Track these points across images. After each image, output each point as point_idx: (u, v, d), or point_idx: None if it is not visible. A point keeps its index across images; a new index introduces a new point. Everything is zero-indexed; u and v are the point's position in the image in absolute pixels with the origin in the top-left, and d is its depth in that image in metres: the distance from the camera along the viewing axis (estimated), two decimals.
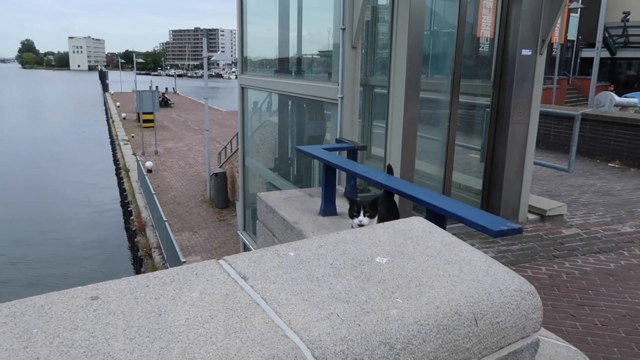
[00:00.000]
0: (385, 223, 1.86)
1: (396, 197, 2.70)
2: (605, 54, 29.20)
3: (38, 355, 0.92)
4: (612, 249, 4.61)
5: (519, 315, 1.39)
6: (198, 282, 1.25)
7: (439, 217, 2.10)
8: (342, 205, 3.41)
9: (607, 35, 28.82)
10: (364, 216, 2.24)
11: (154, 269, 11.57)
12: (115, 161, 24.92)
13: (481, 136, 5.69)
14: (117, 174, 22.57)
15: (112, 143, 29.84)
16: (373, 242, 1.62)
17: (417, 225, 1.80)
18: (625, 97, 18.54)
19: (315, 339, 1.06)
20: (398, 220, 2.04)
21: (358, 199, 2.41)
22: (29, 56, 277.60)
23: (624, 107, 16.49)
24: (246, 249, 7.25)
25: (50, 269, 13.38)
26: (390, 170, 2.82)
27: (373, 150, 5.75)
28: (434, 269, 1.46)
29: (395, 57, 4.61)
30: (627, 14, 30.79)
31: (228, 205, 16.14)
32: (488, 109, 5.52)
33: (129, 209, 16.51)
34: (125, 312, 1.09)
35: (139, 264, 12.73)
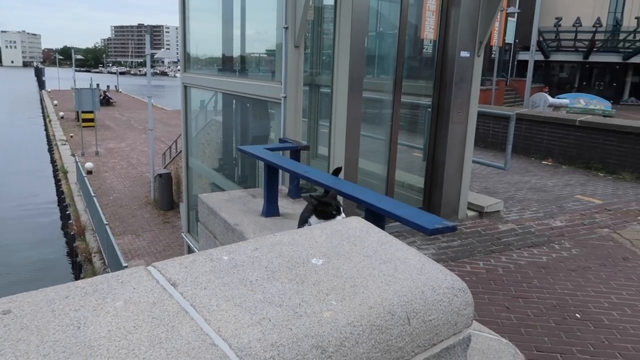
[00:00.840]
0: (323, 224, 1.85)
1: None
2: (540, 57, 30.80)
3: None
4: (544, 243, 4.85)
5: (451, 312, 1.43)
6: (123, 290, 1.19)
7: (377, 217, 2.13)
8: (284, 205, 3.39)
9: (541, 39, 30.41)
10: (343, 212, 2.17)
11: (94, 274, 11.08)
12: (53, 162, 23.69)
13: (423, 135, 5.84)
14: (55, 175, 21.45)
15: (49, 143, 28.35)
16: (310, 244, 1.61)
17: (354, 225, 1.81)
18: (558, 98, 19.63)
19: (245, 346, 1.04)
20: (337, 220, 2.04)
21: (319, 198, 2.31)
22: None
23: (556, 107, 17.45)
24: (190, 251, 7.09)
25: None
26: (337, 172, 2.82)
27: (319, 149, 5.77)
28: (369, 269, 1.47)
29: (338, 57, 4.63)
30: (559, 19, 32.64)
31: (173, 207, 15.71)
32: (429, 109, 5.67)
33: (67, 212, 15.73)
34: (40, 327, 1.02)
35: (79, 269, 12.16)
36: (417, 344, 1.32)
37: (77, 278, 12.01)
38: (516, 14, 26.09)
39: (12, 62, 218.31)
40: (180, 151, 14.94)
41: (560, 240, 4.93)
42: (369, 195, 2.25)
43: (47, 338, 0.98)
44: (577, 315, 3.40)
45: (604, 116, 14.01)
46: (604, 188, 7.34)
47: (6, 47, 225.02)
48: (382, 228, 2.07)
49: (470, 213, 5.65)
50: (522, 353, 2.11)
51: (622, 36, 33.17)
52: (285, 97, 4.37)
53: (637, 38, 32.27)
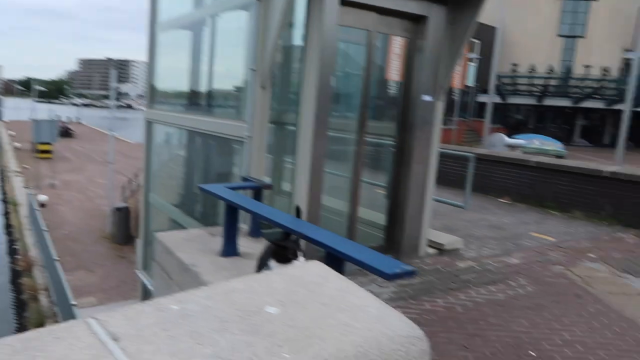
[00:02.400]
0: (281, 269, 1.81)
1: None
2: (498, 99, 32.20)
3: None
4: (501, 280, 4.92)
5: None
6: (57, 347, 1.10)
7: (337, 260, 2.10)
8: (244, 244, 3.32)
9: (499, 83, 31.87)
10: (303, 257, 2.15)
11: (39, 313, 10.47)
12: (4, 194, 22.65)
13: (386, 174, 5.91)
14: (5, 208, 20.48)
15: (1, 174, 27.17)
16: (266, 290, 1.56)
17: (313, 270, 1.77)
18: (515, 138, 20.44)
19: None
20: (296, 264, 2.00)
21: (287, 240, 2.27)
22: None
23: (513, 147, 18.14)
24: (145, 289, 6.81)
25: None
26: (298, 212, 2.78)
27: (283, 186, 5.74)
28: (326, 318, 1.43)
29: (304, 96, 4.68)
30: (515, 65, 34.40)
31: (130, 242, 15.21)
32: (393, 149, 5.77)
33: (15, 247, 14.96)
34: None
35: (22, 308, 11.48)
36: None
37: (19, 317, 11.31)
38: (476, 59, 27.35)
39: None
40: (137, 188, 14.62)
41: (516, 278, 5.01)
42: (327, 237, 2.23)
43: None
44: (531, 353, 3.43)
45: (557, 157, 14.65)
46: (557, 226, 7.58)
47: None
48: (342, 270, 2.04)
49: (431, 250, 5.70)
50: None
51: (572, 82, 35.20)
52: (249, 137, 4.35)
53: (586, 85, 34.30)
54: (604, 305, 4.40)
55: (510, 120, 37.82)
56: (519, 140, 19.74)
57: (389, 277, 1.90)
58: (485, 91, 28.54)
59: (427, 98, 5.44)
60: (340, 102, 5.96)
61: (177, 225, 6.24)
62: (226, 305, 1.42)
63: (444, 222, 7.39)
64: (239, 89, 5.51)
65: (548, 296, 4.55)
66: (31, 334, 1.14)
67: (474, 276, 5.01)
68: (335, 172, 5.65)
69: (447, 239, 5.90)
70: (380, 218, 5.81)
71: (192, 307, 1.38)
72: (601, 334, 3.81)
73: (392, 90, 6.04)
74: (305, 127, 4.67)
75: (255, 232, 3.53)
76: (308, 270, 1.78)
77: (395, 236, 5.62)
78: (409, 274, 1.94)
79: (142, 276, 6.99)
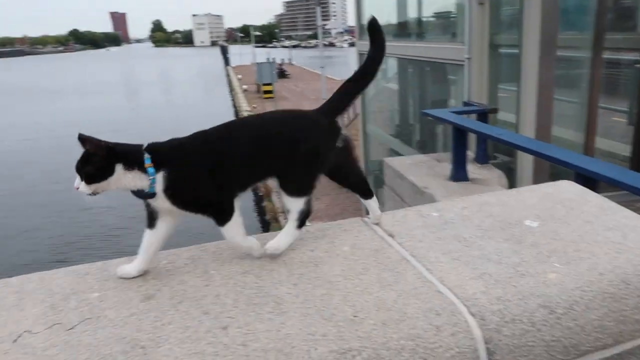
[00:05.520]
0: (532, 186, 1.75)
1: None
2: None
3: (218, 292, 1.04)
4: None
5: None
6: (347, 237, 1.30)
7: (589, 182, 1.93)
8: (471, 170, 3.28)
9: None
10: None
11: None
12: None
13: (630, 97, 5.06)
14: None
15: (236, 114, 31.73)
16: (520, 205, 1.54)
17: (568, 189, 1.67)
18: None
19: (470, 297, 1.05)
20: (546, 183, 1.91)
21: None
22: (160, 35, 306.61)
23: None
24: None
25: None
26: None
27: (499, 115, 5.42)
28: (593, 235, 1.35)
29: (528, 12, 4.23)
30: None
31: None
32: (638, 65, 4.89)
33: None
34: (286, 261, 1.17)
35: (267, 227, 13.58)
36: None
37: None
38: None
39: (202, 42, 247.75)
40: (354, 119, 15.46)
41: None
42: (576, 157, 2.05)
43: (293, 271, 1.13)
44: None
45: None
46: None
47: (197, 29, 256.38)
48: None
49: None
50: None
51: None
52: (469, 59, 4.17)
53: None
54: None
55: None
56: None
57: None
58: None
59: None
60: (570, 13, 5.22)
61: (394, 154, 6.48)
62: (483, 215, 1.46)
63: None
64: (453, 11, 5.26)
65: None
66: (324, 225, 1.36)
67: None
68: (566, 98, 5.07)
69: None
70: (623, 148, 5.06)
71: (451, 216, 1.45)
72: None
73: None
74: (529, 48, 4.25)
75: (481, 158, 3.45)
76: (561, 189, 1.69)
77: None
78: None
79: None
